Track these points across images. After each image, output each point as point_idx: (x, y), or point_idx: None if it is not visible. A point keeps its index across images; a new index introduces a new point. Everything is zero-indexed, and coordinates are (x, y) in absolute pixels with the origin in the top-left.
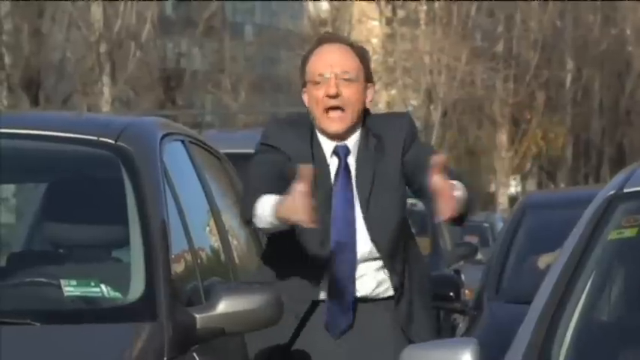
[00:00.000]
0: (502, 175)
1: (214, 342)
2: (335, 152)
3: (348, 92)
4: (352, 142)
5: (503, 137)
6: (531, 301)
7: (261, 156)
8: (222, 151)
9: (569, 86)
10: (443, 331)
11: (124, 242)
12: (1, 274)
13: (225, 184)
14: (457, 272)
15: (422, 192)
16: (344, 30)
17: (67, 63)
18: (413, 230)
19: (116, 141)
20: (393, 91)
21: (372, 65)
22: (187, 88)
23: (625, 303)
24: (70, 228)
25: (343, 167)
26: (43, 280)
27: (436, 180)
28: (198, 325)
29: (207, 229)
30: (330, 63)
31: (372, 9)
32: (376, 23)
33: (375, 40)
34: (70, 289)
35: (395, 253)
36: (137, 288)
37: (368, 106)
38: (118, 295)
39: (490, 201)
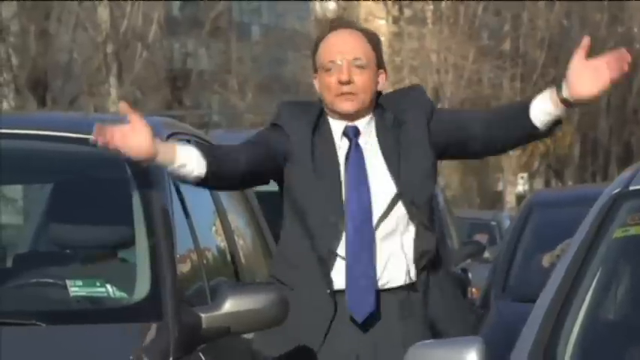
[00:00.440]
0: (509, 173)
1: (220, 342)
2: (344, 133)
3: (360, 79)
4: (363, 123)
5: None
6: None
7: (260, 132)
8: None
9: None
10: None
11: (130, 242)
12: (7, 275)
13: None
14: (464, 271)
15: (473, 144)
16: None
17: (73, 64)
18: None
19: None
20: None
21: None
22: (194, 89)
23: (630, 301)
24: (75, 228)
25: (354, 147)
26: (48, 280)
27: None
28: (204, 325)
29: (213, 229)
30: (342, 49)
31: (378, 8)
32: (383, 22)
33: (382, 39)
34: (76, 289)
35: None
36: (143, 288)
37: (381, 89)
38: (123, 295)
39: (498, 199)
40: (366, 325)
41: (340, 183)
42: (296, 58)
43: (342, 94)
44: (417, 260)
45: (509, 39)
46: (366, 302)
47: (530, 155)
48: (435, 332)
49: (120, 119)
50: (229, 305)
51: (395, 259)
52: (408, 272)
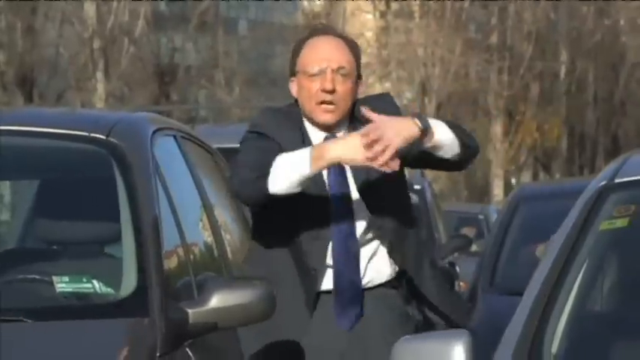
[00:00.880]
0: (497, 166)
1: (207, 337)
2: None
3: (343, 88)
4: (340, 133)
5: (497, 129)
6: None
7: (251, 142)
8: (215, 145)
9: (563, 78)
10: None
11: (116, 238)
12: None
13: (218, 179)
14: (452, 264)
15: (415, 160)
16: (338, 23)
17: (60, 59)
18: None
19: (107, 136)
20: (387, 84)
21: (367, 58)
22: (181, 84)
23: (617, 293)
24: (62, 224)
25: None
26: (35, 276)
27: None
28: (191, 320)
29: (200, 224)
30: (327, 57)
31: (365, 2)
32: (370, 16)
33: (368, 34)
34: (63, 285)
35: (399, 234)
36: (129, 284)
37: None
38: (110, 291)
39: (485, 192)
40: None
41: (326, 192)
42: (283, 53)
43: (323, 102)
44: (396, 260)
45: (496, 32)
46: (351, 313)
47: (517, 149)
48: (430, 322)
49: (104, 114)
50: (216, 300)
51: (376, 259)
52: (389, 270)
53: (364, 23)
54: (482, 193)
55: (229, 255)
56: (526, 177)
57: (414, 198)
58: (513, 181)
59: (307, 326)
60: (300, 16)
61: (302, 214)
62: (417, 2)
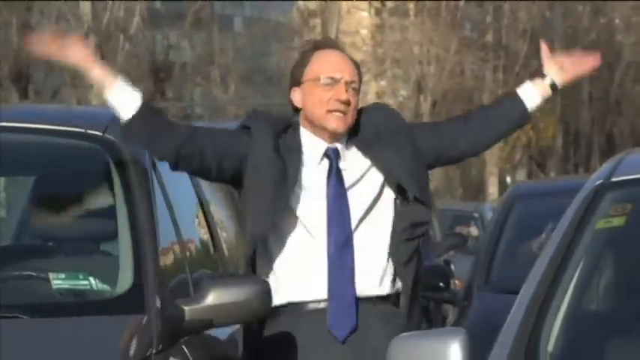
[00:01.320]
0: (492, 165)
1: (203, 334)
2: (326, 154)
3: (353, 101)
4: (341, 145)
5: None
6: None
7: (227, 130)
8: None
9: None
10: (433, 321)
11: (112, 235)
12: None
13: None
14: (447, 262)
15: (469, 146)
16: (333, 21)
17: None
18: None
19: (103, 133)
20: (383, 82)
21: (362, 56)
22: (176, 81)
23: (613, 292)
24: (58, 221)
25: (335, 169)
26: (31, 273)
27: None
28: (187, 317)
29: (196, 221)
30: (343, 69)
31: (361, 0)
32: (365, 14)
33: (364, 31)
34: (59, 282)
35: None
36: (125, 280)
37: None
38: (106, 287)
39: (480, 190)
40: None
41: (323, 203)
42: (279, 51)
43: (336, 110)
44: (391, 274)
45: (491, 31)
46: (346, 323)
47: (512, 147)
48: None
49: (100, 111)
50: (212, 298)
51: (371, 270)
52: (384, 283)
53: (359, 21)
54: (477, 191)
55: (225, 252)
56: (521, 175)
57: None
58: (508, 179)
59: (303, 338)
60: (295, 13)
61: (299, 223)
62: (413, 1)
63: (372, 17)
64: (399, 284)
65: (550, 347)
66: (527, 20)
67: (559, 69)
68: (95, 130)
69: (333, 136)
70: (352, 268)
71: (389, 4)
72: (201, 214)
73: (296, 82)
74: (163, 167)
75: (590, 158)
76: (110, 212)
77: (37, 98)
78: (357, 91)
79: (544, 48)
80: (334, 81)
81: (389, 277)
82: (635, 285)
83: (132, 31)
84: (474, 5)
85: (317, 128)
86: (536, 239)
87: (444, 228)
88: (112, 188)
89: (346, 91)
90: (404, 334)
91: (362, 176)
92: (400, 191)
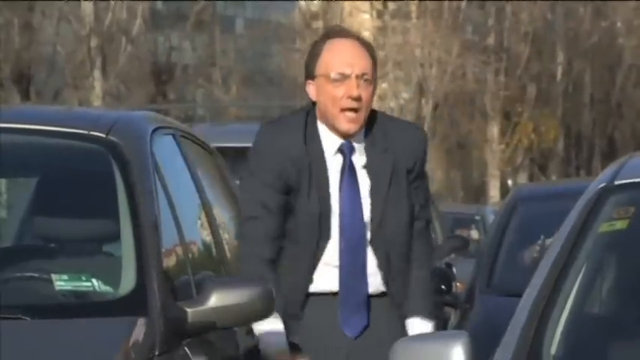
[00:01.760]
0: (493, 167)
1: (206, 336)
2: (340, 150)
3: (366, 94)
4: (356, 139)
5: (494, 130)
6: (522, 294)
7: (254, 185)
8: (214, 144)
9: (560, 79)
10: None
11: (115, 236)
12: None
13: (216, 177)
14: (448, 265)
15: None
16: (335, 23)
17: (57, 57)
18: None
19: (107, 135)
20: (384, 85)
21: None
22: (178, 82)
23: (616, 295)
24: (60, 222)
25: (348, 165)
26: (34, 274)
27: None
28: (190, 319)
29: (199, 222)
30: (352, 62)
31: (362, 2)
32: (367, 16)
33: (366, 34)
34: (62, 283)
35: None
36: (128, 282)
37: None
38: (109, 289)
39: (481, 193)
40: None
41: (330, 200)
42: (280, 52)
43: (348, 109)
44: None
45: (493, 33)
46: (357, 320)
47: (514, 150)
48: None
49: (103, 112)
50: (215, 299)
51: (383, 268)
52: (388, 280)
53: (361, 23)
54: (478, 194)
55: (228, 254)
56: (522, 178)
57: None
58: (510, 182)
59: (313, 326)
60: (297, 14)
61: (305, 216)
62: (415, 2)
63: (374, 19)
64: (402, 280)
65: (553, 350)
66: (529, 23)
67: None
68: (98, 132)
69: (347, 134)
70: (364, 266)
71: (391, 7)
72: (203, 216)
73: (310, 75)
74: (166, 169)
75: (592, 161)
76: (113, 213)
77: (39, 99)
78: (370, 82)
79: None
80: (344, 77)
81: (398, 274)
82: (638, 288)
83: (134, 33)
84: (475, 8)
85: (331, 124)
86: (531, 248)
87: (446, 231)
88: (114, 189)
89: (357, 86)
90: (406, 337)
91: (377, 172)
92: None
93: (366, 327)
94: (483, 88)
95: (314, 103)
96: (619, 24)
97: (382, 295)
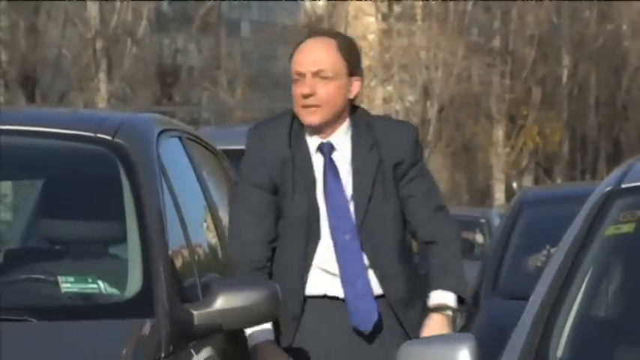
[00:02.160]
0: (498, 170)
1: (212, 338)
2: (319, 149)
3: (325, 90)
4: (337, 138)
5: (499, 133)
6: (528, 297)
7: (243, 188)
8: (219, 147)
9: (565, 82)
10: None
11: (122, 238)
12: None
13: (222, 180)
14: None
15: (410, 230)
16: (340, 26)
17: (63, 60)
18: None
19: (113, 137)
20: (390, 87)
21: (369, 61)
22: (184, 85)
23: (623, 299)
24: (67, 224)
25: (329, 164)
26: (40, 276)
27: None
28: (196, 322)
29: (205, 225)
30: (305, 60)
31: (368, 5)
32: (372, 19)
33: (371, 36)
34: (68, 285)
35: (386, 249)
36: (134, 284)
37: (355, 96)
38: (115, 291)
39: (486, 196)
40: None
41: (315, 196)
42: (286, 55)
43: (305, 106)
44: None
45: (498, 36)
46: (372, 316)
47: (519, 153)
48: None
49: (109, 115)
50: (221, 302)
51: (370, 269)
52: (382, 282)
53: (367, 26)
54: (483, 197)
55: None
56: (527, 181)
57: None
58: (515, 185)
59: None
60: (302, 17)
61: (293, 216)
62: (420, 5)
63: (379, 22)
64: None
65: (559, 354)
66: (534, 26)
67: None
68: (105, 134)
69: (321, 130)
70: (360, 265)
71: (396, 9)
72: (209, 218)
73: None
74: (172, 171)
75: (597, 164)
76: (119, 215)
77: (44, 102)
78: (330, 78)
79: None
80: (301, 76)
81: (392, 276)
82: None
83: (139, 35)
84: (481, 10)
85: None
86: (535, 257)
87: None
88: (121, 192)
89: (311, 83)
90: (412, 340)
91: (362, 170)
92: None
93: (379, 321)
94: (489, 90)
95: None
96: (624, 27)
97: (379, 297)
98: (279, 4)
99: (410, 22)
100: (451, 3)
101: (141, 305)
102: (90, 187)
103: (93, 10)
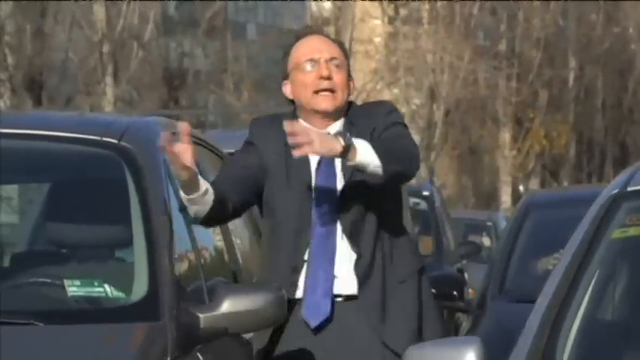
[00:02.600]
0: (505, 173)
1: (218, 342)
2: None
3: (339, 76)
4: (334, 129)
5: (506, 136)
6: (535, 300)
7: (236, 156)
8: (226, 150)
9: (572, 85)
10: (446, 330)
11: (128, 242)
12: (5, 275)
13: None
14: (460, 271)
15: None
16: (346, 29)
17: (69, 63)
18: (416, 229)
19: (119, 141)
20: (396, 90)
21: (375, 64)
22: (190, 88)
23: (629, 302)
24: (73, 228)
25: (325, 160)
26: (46, 280)
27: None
28: (202, 325)
29: (211, 228)
30: (320, 48)
31: (374, 8)
32: (378, 22)
33: (377, 39)
34: (74, 289)
35: (367, 250)
36: (140, 288)
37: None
38: (121, 295)
39: (493, 199)
40: (322, 332)
41: (311, 194)
42: None
43: (322, 90)
44: (361, 274)
45: (504, 39)
46: (321, 311)
47: (525, 156)
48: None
49: (115, 118)
50: (227, 305)
51: (351, 268)
52: (359, 281)
53: (373, 29)
54: (489, 200)
55: (240, 259)
56: (534, 184)
57: (423, 205)
58: (521, 188)
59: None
60: (308, 20)
61: (285, 212)
62: (426, 8)
63: (386, 25)
64: (365, 283)
65: (565, 357)
66: (540, 29)
67: None
68: (111, 138)
69: (326, 121)
70: (332, 258)
71: (402, 12)
72: None
73: (284, 75)
74: None
75: (604, 167)
76: (125, 219)
77: (51, 105)
78: (341, 67)
79: None
80: (314, 62)
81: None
82: None
83: (146, 39)
84: (487, 13)
85: (309, 114)
86: (545, 260)
87: (458, 237)
88: (127, 195)
89: (327, 68)
90: (420, 343)
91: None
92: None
93: (329, 320)
94: (495, 93)
95: (293, 105)
96: (631, 30)
97: (353, 298)
98: (285, 7)
99: (416, 25)
100: (457, 6)
101: (147, 309)
102: (96, 191)
103: (99, 13)
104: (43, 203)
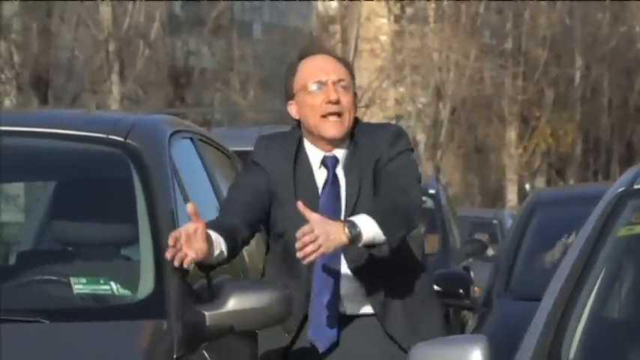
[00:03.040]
0: (511, 172)
1: (224, 339)
2: (323, 163)
3: (346, 99)
4: (340, 152)
5: (512, 134)
6: (540, 298)
7: (242, 178)
8: (231, 148)
9: (578, 83)
10: (452, 328)
11: (134, 240)
12: (11, 272)
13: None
14: (466, 269)
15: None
16: (352, 27)
17: (75, 62)
18: (422, 227)
19: (125, 139)
20: (402, 89)
21: (381, 63)
22: (196, 87)
23: (635, 300)
24: (79, 226)
25: (331, 179)
26: (52, 277)
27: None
28: (208, 323)
29: None
30: (327, 69)
31: (380, 6)
32: (385, 21)
33: (383, 38)
34: (80, 286)
35: (375, 269)
36: (146, 286)
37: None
38: (127, 292)
39: (499, 198)
40: (331, 354)
41: (318, 212)
42: None
43: (330, 114)
44: (372, 294)
45: (511, 37)
46: (328, 334)
47: (531, 154)
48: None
49: (121, 116)
50: (233, 303)
51: (361, 288)
52: (369, 301)
53: (379, 27)
54: (495, 198)
55: (245, 257)
56: (540, 182)
57: (430, 203)
58: (527, 186)
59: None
60: (314, 19)
61: (293, 231)
62: (432, 7)
63: (392, 24)
64: (381, 303)
65: (571, 355)
66: (546, 27)
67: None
68: (117, 136)
69: (333, 144)
70: (337, 280)
71: (408, 11)
72: None
73: (289, 95)
74: (184, 172)
75: (610, 165)
76: (131, 217)
77: (57, 104)
78: (348, 89)
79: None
80: (321, 84)
81: (377, 295)
82: None
83: (152, 37)
84: (493, 12)
85: (315, 137)
86: (550, 251)
87: (463, 235)
88: (133, 193)
89: (335, 91)
90: (426, 341)
91: (351, 182)
92: None
93: (336, 343)
94: (501, 92)
95: (298, 124)
96: (637, 28)
97: (360, 316)
98: (291, 6)
99: (422, 24)
100: (463, 5)
101: (153, 306)
102: (102, 189)
103: (105, 12)
104: (49, 201)
